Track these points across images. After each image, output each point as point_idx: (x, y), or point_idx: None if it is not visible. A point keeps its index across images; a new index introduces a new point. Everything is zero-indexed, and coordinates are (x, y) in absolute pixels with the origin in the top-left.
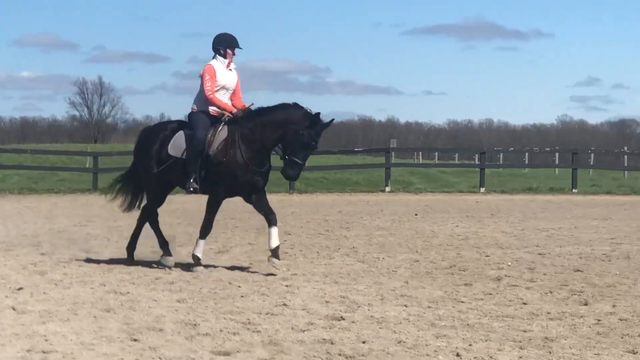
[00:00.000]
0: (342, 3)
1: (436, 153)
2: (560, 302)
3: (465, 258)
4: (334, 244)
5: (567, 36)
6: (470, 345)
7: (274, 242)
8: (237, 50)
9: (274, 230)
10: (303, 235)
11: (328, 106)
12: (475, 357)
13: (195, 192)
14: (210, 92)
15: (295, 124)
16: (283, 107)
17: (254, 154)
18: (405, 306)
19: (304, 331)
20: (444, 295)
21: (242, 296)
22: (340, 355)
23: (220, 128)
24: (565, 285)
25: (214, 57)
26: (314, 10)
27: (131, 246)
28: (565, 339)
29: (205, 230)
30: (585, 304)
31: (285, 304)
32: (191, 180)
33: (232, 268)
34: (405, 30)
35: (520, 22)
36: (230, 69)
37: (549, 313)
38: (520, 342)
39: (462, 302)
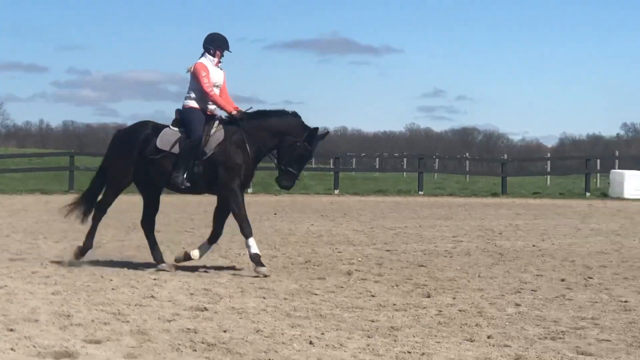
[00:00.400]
0: (208, 19)
1: None
2: (406, 295)
3: (319, 254)
4: (199, 241)
5: (415, 52)
6: (322, 334)
7: (196, 255)
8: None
9: (207, 248)
10: (171, 232)
11: None
12: (326, 345)
13: (185, 189)
14: (211, 89)
15: (292, 135)
16: (281, 114)
17: (253, 155)
18: (264, 298)
19: (169, 321)
20: (299, 288)
21: (113, 289)
22: (203, 343)
23: (214, 128)
24: (410, 279)
25: (202, 55)
26: (183, 25)
27: (155, 252)
28: (409, 328)
29: (247, 229)
30: (428, 296)
31: (153, 296)
32: (180, 175)
33: (105, 263)
34: (267, 45)
35: (372, 38)
36: (219, 67)
37: (394, 304)
38: (368, 331)
39: (316, 294)
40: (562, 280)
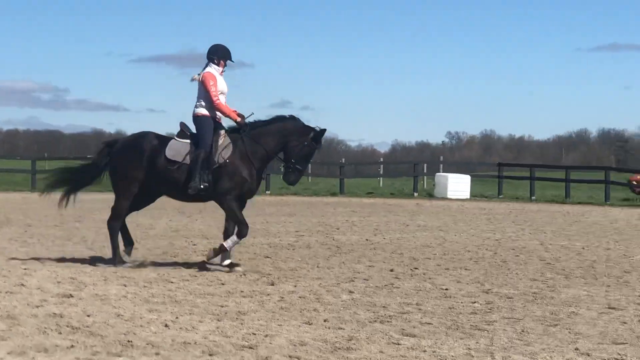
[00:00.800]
0: (78, 33)
1: None
2: (252, 283)
3: (176, 246)
4: (67, 234)
5: (264, 66)
6: (177, 317)
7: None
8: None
9: (234, 239)
10: (41, 227)
11: (67, 120)
12: (180, 328)
13: (201, 192)
14: (217, 98)
15: (298, 136)
16: (282, 119)
17: (260, 162)
18: (125, 285)
19: (37, 307)
20: (157, 277)
21: None
22: (68, 326)
23: (222, 136)
24: (256, 269)
25: (207, 65)
26: (55, 39)
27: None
28: (254, 313)
29: (244, 231)
30: (272, 284)
31: (22, 284)
32: (197, 180)
33: None
34: (132, 59)
35: None
36: (222, 77)
37: (242, 291)
38: (218, 315)
39: (172, 282)
40: (391, 270)
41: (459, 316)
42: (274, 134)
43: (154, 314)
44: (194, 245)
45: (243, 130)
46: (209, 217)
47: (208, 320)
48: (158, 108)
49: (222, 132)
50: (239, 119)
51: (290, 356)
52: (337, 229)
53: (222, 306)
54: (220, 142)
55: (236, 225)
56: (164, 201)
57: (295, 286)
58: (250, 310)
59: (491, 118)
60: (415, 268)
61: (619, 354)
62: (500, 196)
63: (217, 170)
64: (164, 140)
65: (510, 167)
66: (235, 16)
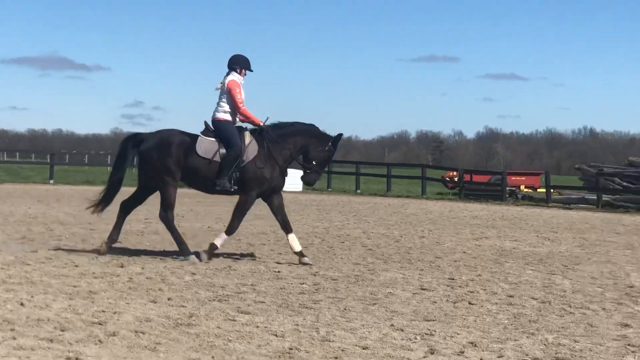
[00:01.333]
0: None
1: (17, 153)
2: (104, 265)
3: (34, 232)
4: None
5: (120, 69)
6: (32, 297)
7: (297, 247)
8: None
9: (293, 237)
10: None
11: None
12: (35, 306)
13: (233, 192)
14: (242, 104)
15: (321, 141)
16: (303, 124)
17: (283, 161)
18: None
19: None
20: (15, 260)
21: None
22: None
23: (247, 137)
24: (108, 252)
25: (229, 74)
26: None
27: (180, 241)
28: (105, 292)
29: (233, 228)
30: (122, 267)
31: None
32: (226, 181)
33: None
34: None
35: (85, 57)
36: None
37: (94, 273)
38: (71, 294)
39: (29, 264)
40: (229, 254)
41: (289, 296)
42: (298, 136)
43: (10, 294)
44: (51, 230)
45: (266, 132)
46: (65, 205)
47: (61, 299)
48: (20, 106)
49: (247, 132)
50: (261, 123)
51: (136, 331)
52: (182, 217)
53: (74, 286)
54: (247, 141)
55: (232, 220)
56: (23, 191)
57: (143, 268)
58: (101, 290)
59: (323, 120)
60: (252, 253)
61: (429, 330)
62: (329, 189)
63: (243, 168)
64: (192, 137)
65: (339, 164)
66: (94, 20)
